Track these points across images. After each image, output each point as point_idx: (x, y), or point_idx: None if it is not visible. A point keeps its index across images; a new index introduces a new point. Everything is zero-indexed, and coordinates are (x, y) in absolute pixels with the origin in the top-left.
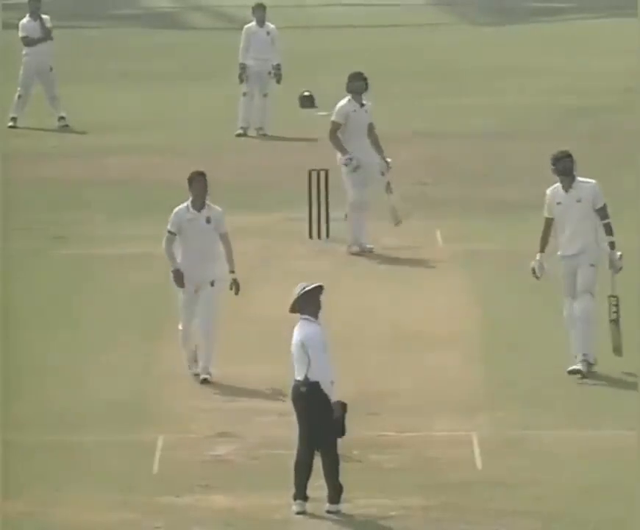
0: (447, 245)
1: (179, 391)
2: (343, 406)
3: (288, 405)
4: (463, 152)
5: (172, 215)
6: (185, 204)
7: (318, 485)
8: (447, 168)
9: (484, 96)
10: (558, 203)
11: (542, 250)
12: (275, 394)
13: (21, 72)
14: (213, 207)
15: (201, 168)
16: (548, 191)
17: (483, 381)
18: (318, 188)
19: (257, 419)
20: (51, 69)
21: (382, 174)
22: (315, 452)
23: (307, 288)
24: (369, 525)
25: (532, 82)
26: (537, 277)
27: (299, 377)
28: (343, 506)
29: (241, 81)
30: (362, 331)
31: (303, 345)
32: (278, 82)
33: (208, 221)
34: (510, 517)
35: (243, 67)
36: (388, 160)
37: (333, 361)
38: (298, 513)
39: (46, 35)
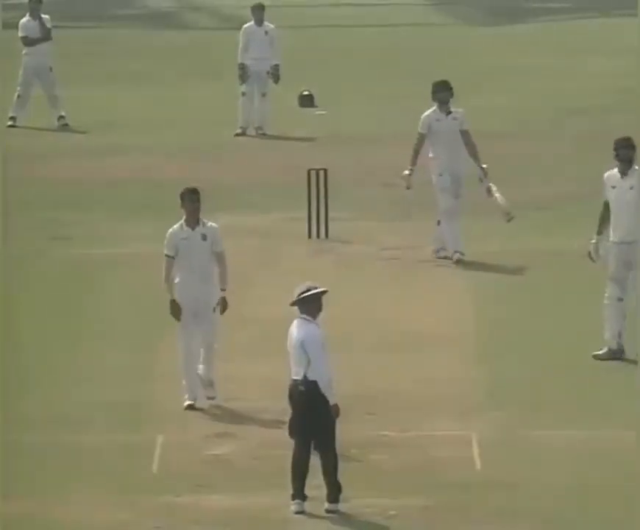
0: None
1: (179, 392)
2: (337, 411)
3: (288, 406)
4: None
5: (167, 236)
6: (178, 223)
7: (316, 484)
8: None
9: (484, 96)
10: (613, 187)
11: (599, 233)
12: (275, 394)
13: (21, 72)
14: (208, 224)
15: (202, 167)
16: (605, 174)
17: (483, 381)
18: (318, 187)
19: (257, 419)
20: (50, 69)
21: (481, 180)
22: (313, 451)
23: (314, 291)
24: (369, 525)
25: (531, 82)
26: (593, 261)
27: (297, 377)
28: (343, 506)
29: (242, 81)
30: (362, 331)
31: (302, 345)
32: (275, 82)
33: (204, 238)
34: (509, 517)
35: (243, 67)
36: (484, 165)
37: (332, 361)
38: (297, 513)
39: (46, 35)
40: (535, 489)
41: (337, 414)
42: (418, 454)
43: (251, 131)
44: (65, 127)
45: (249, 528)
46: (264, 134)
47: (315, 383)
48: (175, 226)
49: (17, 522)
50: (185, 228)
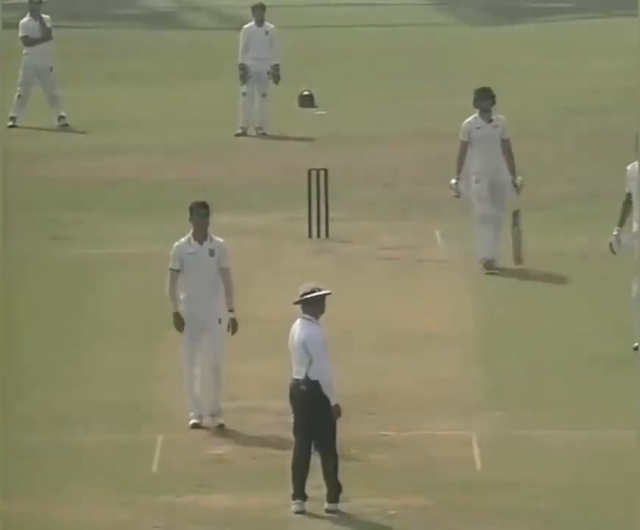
0: (447, 245)
1: (179, 391)
2: (338, 412)
3: (288, 405)
4: None
5: (173, 249)
6: (185, 237)
7: (316, 484)
8: (447, 168)
9: None
10: (632, 179)
11: (621, 224)
12: (275, 394)
13: (21, 72)
14: (216, 240)
15: (202, 167)
16: (628, 167)
17: (483, 381)
18: (318, 187)
19: (257, 419)
20: (51, 69)
21: (516, 187)
22: (314, 451)
23: (318, 293)
24: (369, 525)
25: (531, 82)
26: (614, 252)
27: (299, 376)
28: (343, 506)
29: (243, 82)
30: (362, 331)
31: (304, 344)
32: (275, 82)
33: (211, 253)
34: (509, 517)
35: (243, 67)
36: (518, 179)
37: (333, 361)
38: (297, 513)
39: (46, 35)
40: (535, 489)
41: (338, 415)
42: (418, 454)
43: (251, 131)
44: (65, 127)
45: (249, 528)
46: (264, 134)
47: (316, 382)
48: (182, 239)
49: (17, 522)
50: (193, 242)
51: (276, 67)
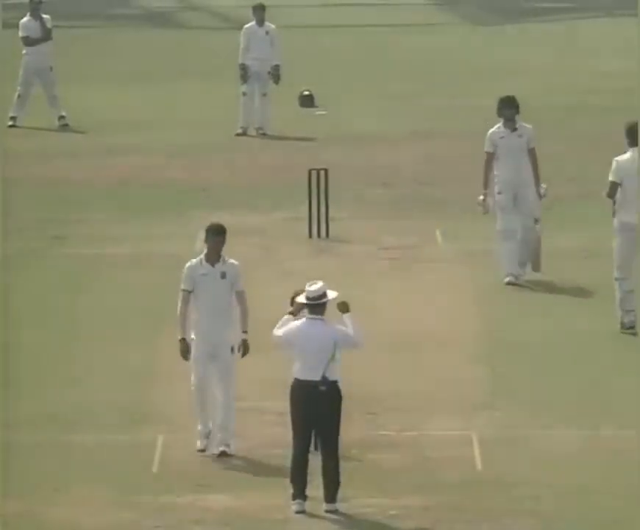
0: (447, 245)
1: (179, 391)
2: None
3: (288, 405)
4: (463, 152)
5: (184, 270)
6: (197, 258)
7: (316, 484)
8: (447, 168)
9: (484, 96)
10: (624, 170)
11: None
12: (275, 394)
13: (21, 72)
14: (229, 262)
15: (202, 167)
16: (619, 158)
17: (483, 381)
18: (318, 187)
19: (257, 419)
20: (51, 69)
21: (540, 196)
22: (314, 451)
23: (329, 298)
24: (369, 525)
25: (532, 82)
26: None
27: (315, 378)
28: (343, 506)
29: (243, 81)
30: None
31: (336, 344)
32: (276, 82)
33: (223, 276)
34: (509, 517)
35: (244, 67)
36: (543, 187)
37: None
38: (297, 512)
39: (46, 35)
40: (534, 489)
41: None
42: (418, 454)
43: (251, 131)
44: (65, 127)
45: (249, 528)
46: (264, 134)
47: (334, 383)
48: (194, 260)
49: (16, 522)
50: (205, 263)
51: (276, 67)
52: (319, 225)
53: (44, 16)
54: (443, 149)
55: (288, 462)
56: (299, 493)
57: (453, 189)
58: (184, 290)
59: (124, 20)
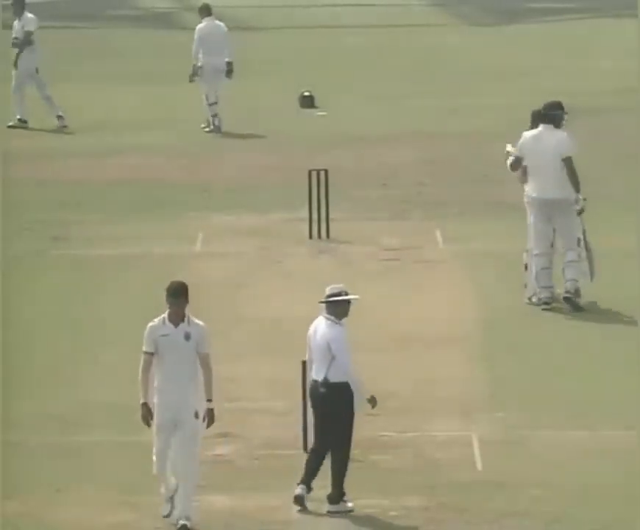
0: (447, 245)
1: None
2: (374, 402)
3: (288, 405)
4: (463, 152)
5: (146, 331)
6: (160, 317)
7: (320, 485)
8: (447, 168)
9: (484, 96)
10: (527, 148)
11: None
12: (275, 394)
13: (13, 73)
14: (194, 322)
15: (202, 167)
16: (527, 134)
17: (483, 381)
18: (318, 188)
19: (257, 419)
20: (37, 71)
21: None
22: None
23: (346, 297)
24: (369, 525)
25: (532, 82)
26: None
27: (318, 378)
28: (344, 507)
29: (191, 80)
30: (362, 331)
31: (329, 344)
32: (227, 75)
33: (187, 337)
34: (510, 518)
35: (197, 67)
36: (581, 200)
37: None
38: (297, 495)
39: (25, 39)
40: (535, 490)
41: (374, 404)
42: (418, 454)
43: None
44: (64, 127)
45: (249, 528)
46: (219, 131)
47: (336, 385)
48: (156, 320)
49: (16, 522)
50: (167, 323)
51: (229, 64)
52: (319, 226)
53: (29, 16)
54: (443, 149)
55: (288, 462)
56: (306, 480)
57: (453, 189)
58: (145, 352)
59: (124, 20)
